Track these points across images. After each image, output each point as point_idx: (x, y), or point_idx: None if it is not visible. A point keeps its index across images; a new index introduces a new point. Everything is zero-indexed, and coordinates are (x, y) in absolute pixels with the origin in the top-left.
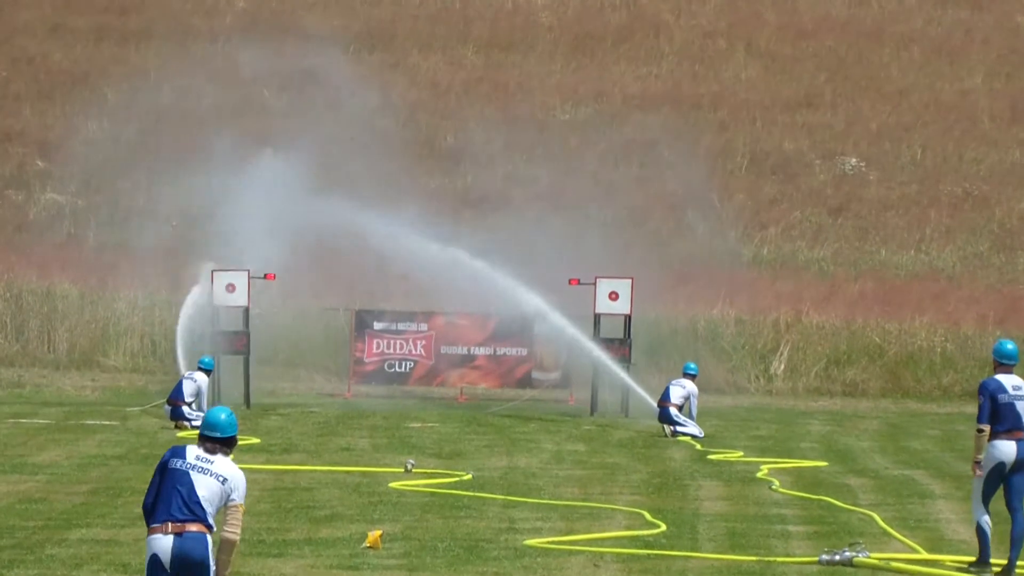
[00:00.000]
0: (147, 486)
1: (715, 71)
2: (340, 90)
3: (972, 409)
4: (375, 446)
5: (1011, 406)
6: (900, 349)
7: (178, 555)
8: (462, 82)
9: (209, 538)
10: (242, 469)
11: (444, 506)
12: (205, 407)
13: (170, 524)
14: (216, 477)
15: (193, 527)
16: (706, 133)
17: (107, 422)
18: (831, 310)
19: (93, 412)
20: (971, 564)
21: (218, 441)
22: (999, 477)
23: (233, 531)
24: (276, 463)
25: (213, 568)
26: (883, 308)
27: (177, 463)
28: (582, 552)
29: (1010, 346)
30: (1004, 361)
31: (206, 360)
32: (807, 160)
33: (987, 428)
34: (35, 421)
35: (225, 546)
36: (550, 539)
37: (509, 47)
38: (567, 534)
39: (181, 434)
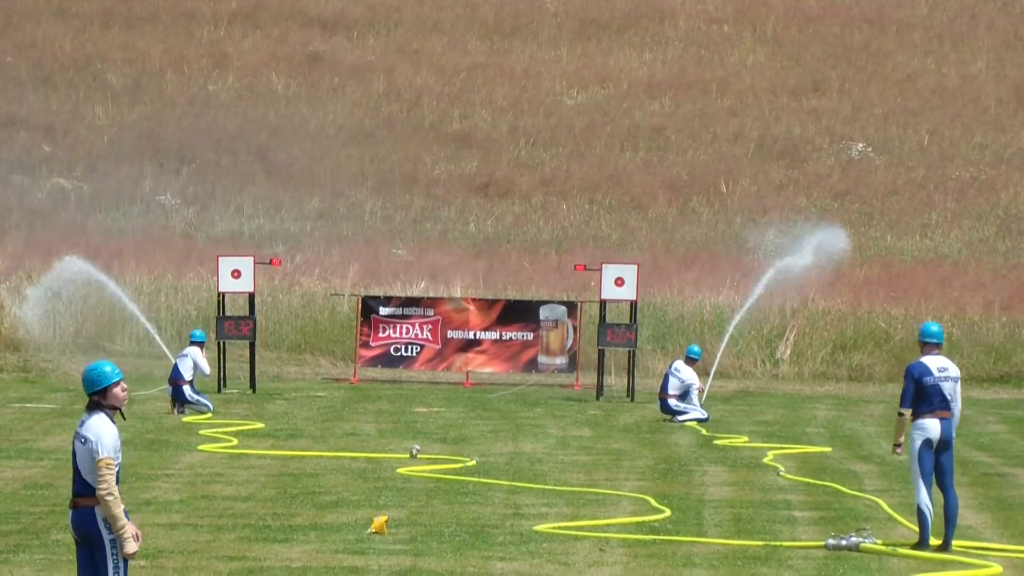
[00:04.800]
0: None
1: (721, 57)
2: (346, 75)
3: (976, 394)
4: (381, 431)
5: (936, 387)
6: (906, 334)
7: (75, 528)
8: (468, 67)
9: (98, 508)
10: (247, 455)
11: (449, 492)
12: (207, 371)
13: (71, 499)
14: (83, 441)
15: (83, 501)
16: (713, 119)
17: None
18: (837, 295)
19: None
20: (912, 546)
21: (94, 394)
22: (930, 455)
23: (99, 487)
24: (281, 448)
25: (108, 535)
26: (889, 293)
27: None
28: (587, 537)
29: (935, 327)
30: (929, 340)
31: (196, 333)
32: (815, 145)
33: (907, 412)
34: (41, 406)
35: (100, 502)
36: (556, 525)
37: (514, 32)
38: (572, 520)
39: (186, 419)
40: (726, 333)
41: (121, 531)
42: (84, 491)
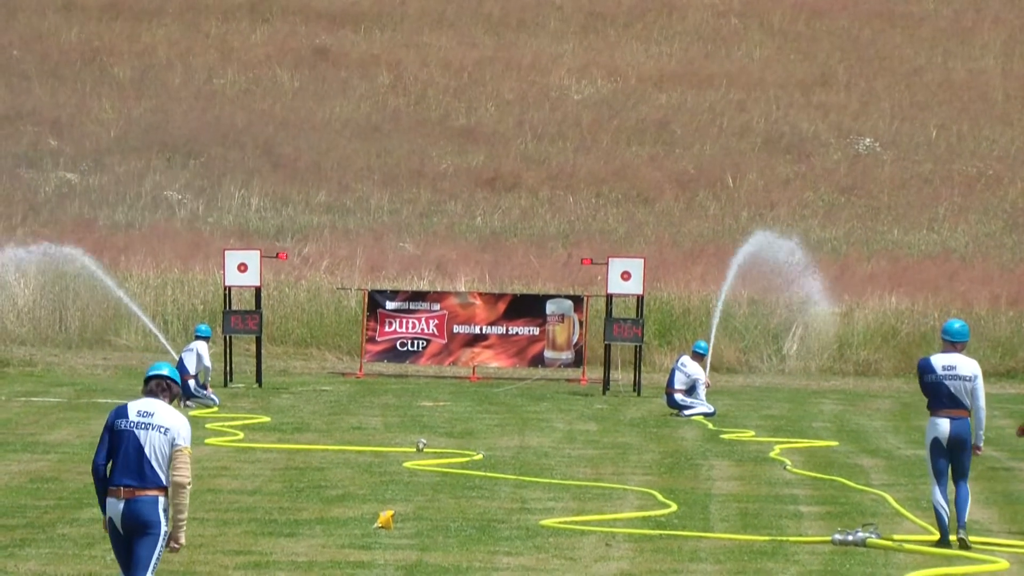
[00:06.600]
0: None
1: (728, 50)
2: (352, 69)
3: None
4: (387, 425)
5: (940, 385)
6: (912, 329)
7: (128, 518)
8: (474, 61)
9: (161, 499)
10: (254, 448)
11: (456, 486)
12: (209, 369)
13: (122, 489)
14: (159, 430)
15: (144, 492)
16: (720, 113)
17: (118, 401)
18: (843, 289)
19: (104, 391)
20: (933, 545)
21: (160, 378)
22: (941, 453)
23: (181, 475)
24: (288, 442)
25: (164, 525)
26: (895, 287)
27: (122, 423)
28: (594, 532)
29: (954, 325)
30: (943, 337)
31: (201, 328)
32: (822, 140)
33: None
34: (47, 400)
35: (176, 490)
36: (562, 519)
37: (520, 26)
38: (579, 514)
39: (192, 413)
40: (712, 322)
41: (184, 521)
42: (147, 482)
